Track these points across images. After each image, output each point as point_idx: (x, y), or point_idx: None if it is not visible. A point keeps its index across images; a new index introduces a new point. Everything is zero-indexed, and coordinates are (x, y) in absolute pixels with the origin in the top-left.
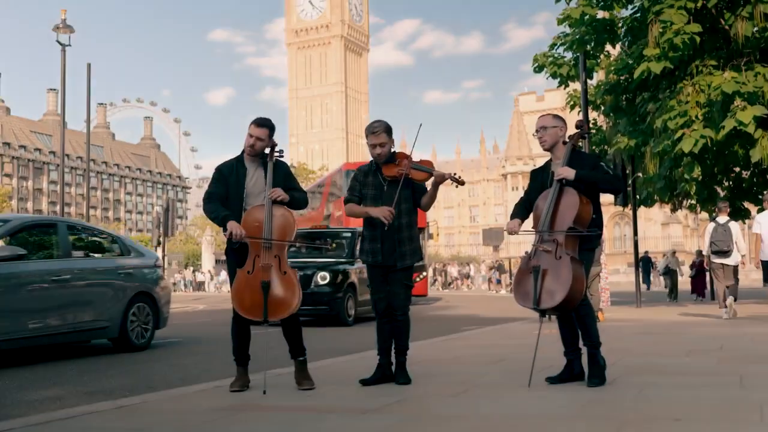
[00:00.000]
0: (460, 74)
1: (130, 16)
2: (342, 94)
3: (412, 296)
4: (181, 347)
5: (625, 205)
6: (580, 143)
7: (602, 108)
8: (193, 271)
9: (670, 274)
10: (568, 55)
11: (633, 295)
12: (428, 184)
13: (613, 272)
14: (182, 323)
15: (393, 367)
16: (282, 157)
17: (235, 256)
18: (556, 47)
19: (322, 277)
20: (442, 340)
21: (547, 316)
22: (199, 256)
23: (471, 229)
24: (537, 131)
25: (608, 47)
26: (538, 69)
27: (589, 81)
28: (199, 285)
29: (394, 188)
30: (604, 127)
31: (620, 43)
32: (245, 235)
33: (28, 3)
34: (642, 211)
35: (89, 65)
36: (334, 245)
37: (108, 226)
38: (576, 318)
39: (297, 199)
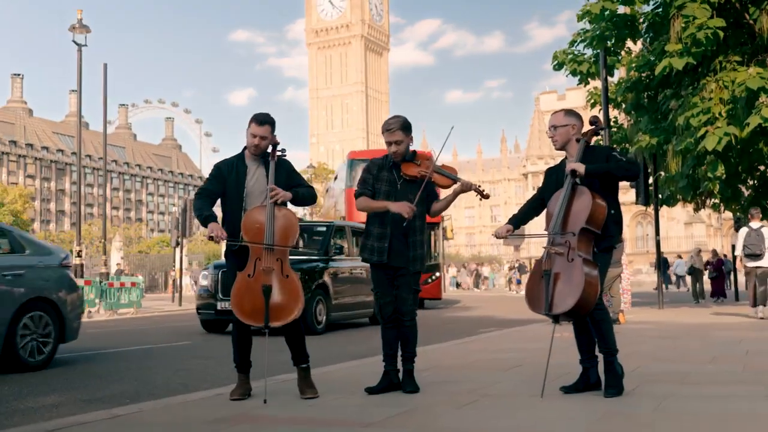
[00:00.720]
0: (481, 74)
1: (152, 17)
2: (362, 93)
3: (424, 299)
4: (192, 350)
5: (646, 204)
6: (599, 139)
7: (623, 106)
8: None
9: (695, 273)
10: (589, 52)
11: (655, 295)
12: (439, 191)
13: (635, 272)
14: (194, 324)
15: (400, 374)
16: (285, 155)
17: (234, 258)
18: (576, 44)
19: None
20: (456, 343)
21: (560, 321)
22: (219, 256)
23: (492, 229)
24: (548, 130)
25: (629, 44)
26: (558, 66)
27: (610, 78)
28: None
29: (411, 188)
30: (626, 125)
31: (642, 39)
32: (225, 236)
33: (53, 3)
34: (665, 210)
35: (105, 65)
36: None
37: (130, 226)
38: (591, 323)
39: (302, 195)
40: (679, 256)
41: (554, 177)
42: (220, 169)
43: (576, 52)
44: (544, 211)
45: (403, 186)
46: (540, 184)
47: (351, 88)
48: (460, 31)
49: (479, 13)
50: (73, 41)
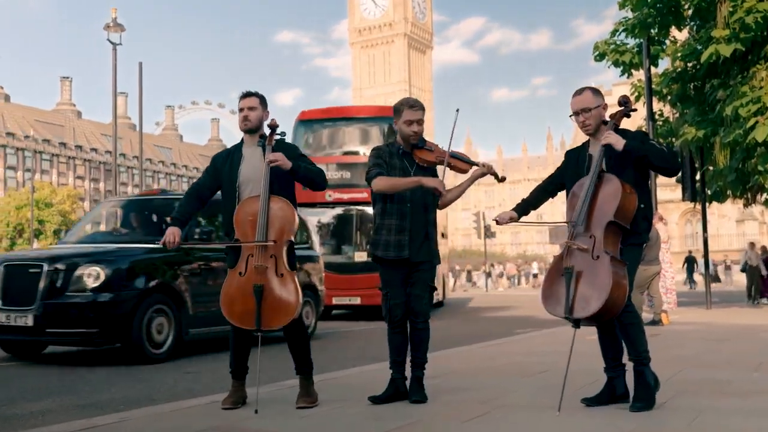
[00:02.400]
0: (527, 71)
1: (199, 20)
2: (406, 92)
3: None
4: (208, 351)
5: (693, 200)
6: (643, 126)
7: (669, 98)
8: None
9: (749, 270)
10: (632, 41)
11: (703, 295)
12: (449, 177)
13: (678, 271)
14: None
15: (409, 382)
16: (284, 137)
17: (234, 254)
18: (618, 33)
19: (92, 275)
20: (483, 346)
21: (581, 325)
22: None
23: (537, 227)
24: (576, 114)
25: (675, 32)
26: (599, 57)
27: (654, 69)
28: None
29: (424, 175)
30: (671, 119)
31: (687, 26)
32: (178, 243)
33: (103, 7)
34: (715, 208)
35: (140, 64)
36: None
37: None
38: (619, 327)
39: (305, 170)
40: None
41: (574, 161)
42: (213, 161)
43: (618, 42)
44: (560, 202)
45: (417, 174)
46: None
47: (394, 86)
48: (506, 28)
49: (525, 10)
50: (108, 40)
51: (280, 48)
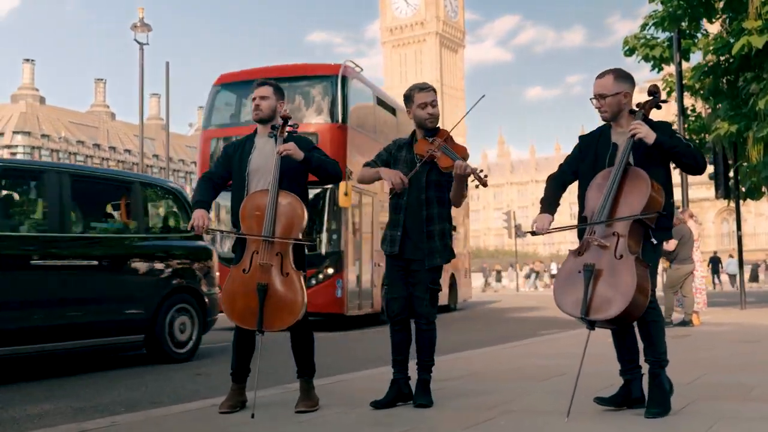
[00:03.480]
0: (562, 69)
1: (231, 21)
2: (437, 91)
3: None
4: (222, 352)
5: (726, 197)
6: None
7: (701, 92)
8: None
9: None
10: (662, 35)
11: (737, 295)
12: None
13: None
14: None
15: (414, 383)
16: (296, 130)
17: (240, 249)
18: (647, 27)
19: None
20: (505, 347)
21: (596, 327)
22: None
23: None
24: (594, 99)
25: (706, 25)
26: (629, 53)
27: (685, 63)
28: None
29: (424, 169)
30: (703, 114)
31: (719, 19)
32: (207, 226)
33: (132, 6)
34: (752, 206)
35: (168, 64)
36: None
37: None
38: (639, 325)
39: (318, 160)
40: (731, 255)
41: (593, 150)
42: (225, 150)
43: (648, 36)
44: (569, 193)
45: (421, 168)
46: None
47: None
48: (540, 26)
49: (559, 8)
50: (135, 40)
51: (312, 48)
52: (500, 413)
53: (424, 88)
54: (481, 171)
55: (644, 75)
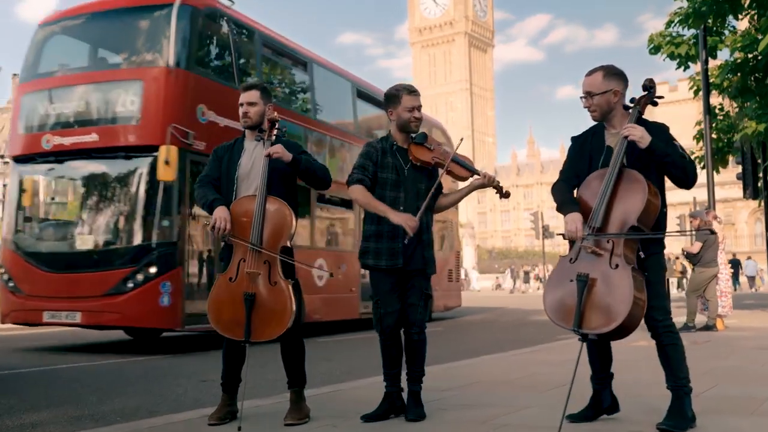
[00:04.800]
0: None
1: (261, 21)
2: (467, 91)
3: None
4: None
5: (755, 197)
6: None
7: (728, 90)
8: None
9: None
10: (688, 33)
11: (766, 297)
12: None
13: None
14: None
15: (407, 396)
16: (284, 134)
17: (227, 257)
18: (673, 24)
19: None
20: (516, 354)
21: (588, 340)
22: None
23: None
24: (582, 97)
25: (734, 22)
26: (654, 50)
27: (714, 61)
28: None
29: (420, 176)
30: (731, 112)
31: (747, 15)
32: (229, 230)
33: None
34: None
35: None
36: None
37: None
38: (658, 349)
39: (306, 163)
40: (749, 257)
41: (587, 149)
42: (216, 152)
43: (674, 34)
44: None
45: (411, 173)
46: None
47: (455, 86)
48: (571, 25)
49: (591, 6)
50: None
51: (343, 50)
52: (493, 428)
53: (413, 91)
54: (499, 182)
55: (672, 74)
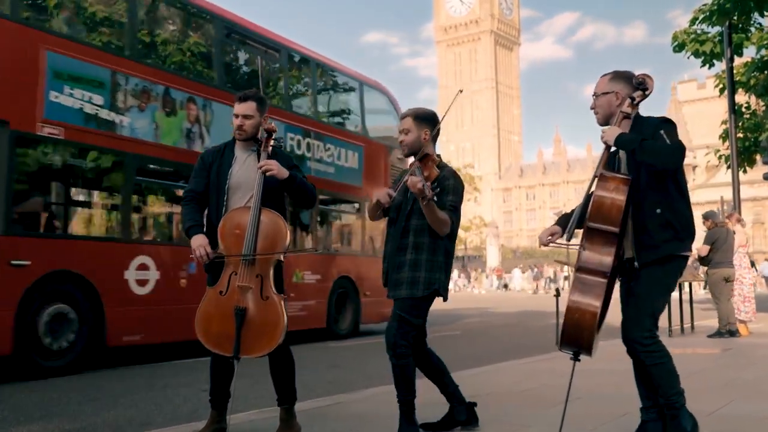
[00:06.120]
0: (622, 66)
1: (286, 21)
2: (492, 90)
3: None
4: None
5: None
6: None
7: (755, 88)
8: None
9: None
10: (713, 30)
11: None
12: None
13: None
14: None
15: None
16: (281, 145)
17: (217, 272)
18: (697, 21)
19: None
20: (530, 361)
21: (579, 357)
22: None
23: None
24: (593, 96)
25: (760, 19)
26: (678, 48)
27: (739, 58)
28: None
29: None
30: (758, 111)
31: None
32: (211, 253)
33: None
34: None
35: None
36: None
37: None
38: (645, 371)
39: (301, 182)
40: (767, 259)
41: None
42: (203, 159)
43: (698, 31)
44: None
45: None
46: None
47: (480, 84)
48: (600, 22)
49: (620, 3)
50: None
51: (368, 49)
52: None
53: (401, 117)
54: (426, 186)
55: (701, 71)
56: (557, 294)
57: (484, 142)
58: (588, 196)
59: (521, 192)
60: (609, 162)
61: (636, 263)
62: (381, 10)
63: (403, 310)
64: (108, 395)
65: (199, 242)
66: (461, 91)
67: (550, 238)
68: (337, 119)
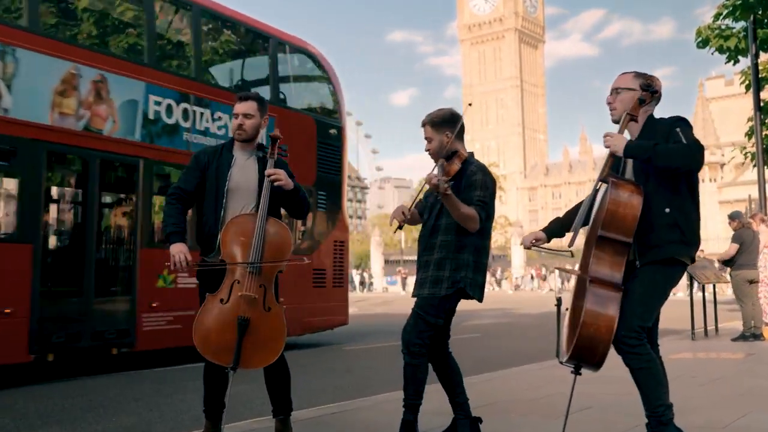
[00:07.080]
0: (649, 63)
1: (312, 19)
2: (517, 88)
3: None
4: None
5: None
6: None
7: None
8: (362, 272)
9: None
10: (738, 25)
11: None
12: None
13: None
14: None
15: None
16: (286, 154)
17: (209, 278)
18: (721, 17)
19: None
20: (540, 367)
21: (580, 371)
22: (369, 256)
23: None
24: (609, 95)
25: None
26: (702, 44)
27: (764, 54)
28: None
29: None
30: None
31: None
32: (190, 262)
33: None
34: None
35: None
36: None
37: None
38: (631, 373)
39: (303, 195)
40: None
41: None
42: (197, 158)
43: (723, 27)
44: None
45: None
46: (705, 176)
47: (505, 83)
48: (626, 19)
49: (646, 0)
50: None
51: (393, 48)
52: None
53: (422, 125)
54: (440, 180)
55: (724, 68)
56: (558, 303)
57: (509, 140)
58: (591, 202)
59: (547, 191)
60: (614, 166)
61: (637, 263)
62: (405, 8)
63: (420, 308)
64: (113, 402)
65: (178, 248)
66: (470, 105)
67: (534, 242)
68: (236, 82)
